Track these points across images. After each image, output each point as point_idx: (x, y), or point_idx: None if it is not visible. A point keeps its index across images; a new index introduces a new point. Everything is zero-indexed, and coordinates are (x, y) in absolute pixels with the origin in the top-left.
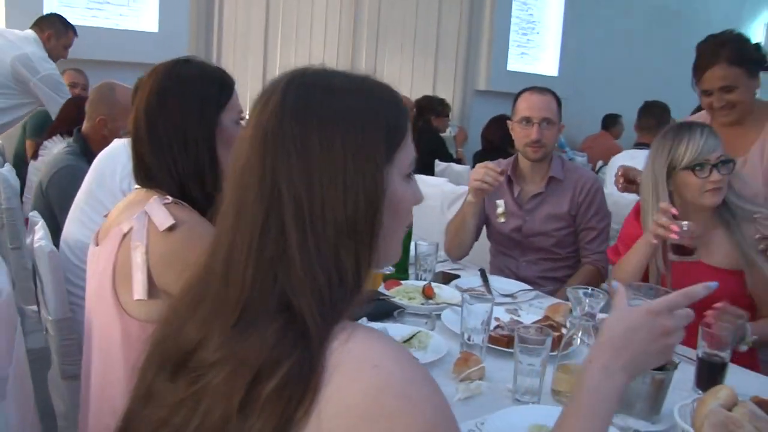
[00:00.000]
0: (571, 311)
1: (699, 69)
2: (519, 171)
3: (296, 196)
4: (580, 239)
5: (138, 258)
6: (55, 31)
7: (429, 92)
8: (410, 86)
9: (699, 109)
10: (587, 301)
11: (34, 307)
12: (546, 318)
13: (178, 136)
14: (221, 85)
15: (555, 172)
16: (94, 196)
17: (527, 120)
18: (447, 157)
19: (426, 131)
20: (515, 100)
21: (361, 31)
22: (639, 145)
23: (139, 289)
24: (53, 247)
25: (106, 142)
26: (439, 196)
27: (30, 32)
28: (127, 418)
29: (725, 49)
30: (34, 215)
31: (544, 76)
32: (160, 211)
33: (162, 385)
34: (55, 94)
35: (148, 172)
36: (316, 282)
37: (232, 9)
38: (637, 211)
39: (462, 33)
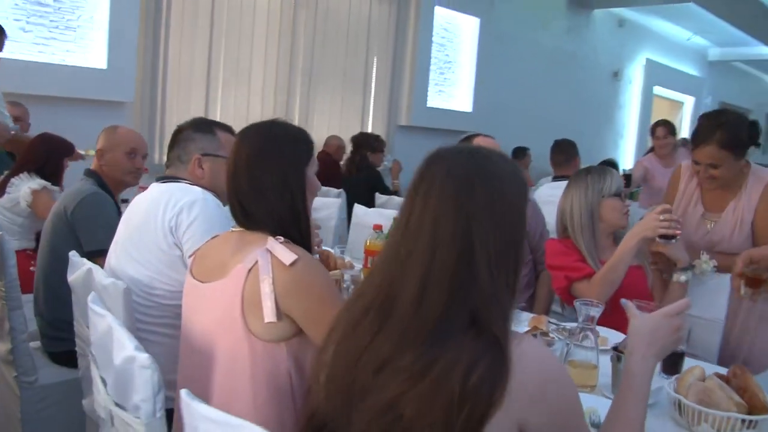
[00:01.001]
0: (549, 322)
1: (694, 140)
2: None
3: (484, 242)
4: (535, 252)
5: (266, 288)
6: None
7: (358, 128)
8: (339, 123)
9: (650, 150)
10: (588, 309)
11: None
12: (535, 327)
13: (277, 188)
14: (306, 143)
15: None
16: (140, 233)
17: None
18: (385, 190)
19: (364, 167)
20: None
21: (296, 74)
22: (557, 178)
23: (269, 314)
24: (126, 285)
25: (104, 173)
26: None
27: None
28: None
29: (719, 132)
30: (74, 254)
31: (460, 111)
32: (281, 249)
33: (346, 401)
34: None
35: (251, 217)
36: (500, 302)
37: (176, 49)
38: (560, 240)
39: (386, 74)
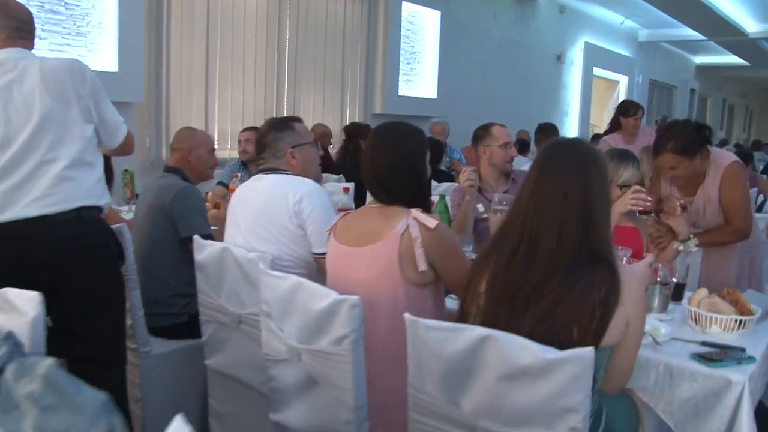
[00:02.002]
0: None
1: (655, 150)
2: (485, 182)
3: (596, 203)
4: None
5: (417, 246)
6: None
7: (339, 118)
8: (323, 113)
9: (613, 129)
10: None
11: None
12: None
13: (409, 171)
14: (425, 137)
15: (515, 175)
16: (267, 216)
17: (507, 144)
18: None
19: (357, 153)
20: (488, 131)
21: (283, 71)
22: None
23: (422, 264)
24: (272, 256)
25: (191, 167)
26: None
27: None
28: None
29: (671, 143)
30: (198, 238)
31: (427, 98)
32: (424, 217)
33: (510, 316)
34: None
35: (391, 194)
36: (608, 241)
37: (177, 52)
38: None
39: (361, 67)
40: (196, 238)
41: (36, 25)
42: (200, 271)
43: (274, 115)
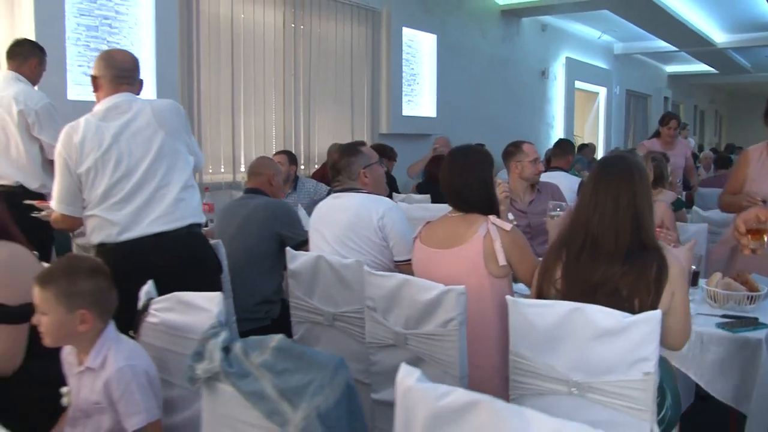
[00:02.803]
0: None
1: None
2: (515, 193)
3: (642, 206)
4: None
5: (497, 246)
6: (40, 59)
7: (348, 138)
8: (334, 133)
9: (653, 136)
10: None
11: None
12: None
13: (482, 185)
14: (491, 157)
15: (540, 186)
16: (354, 230)
17: (536, 160)
18: (397, 191)
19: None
20: (519, 148)
21: (299, 96)
22: (554, 168)
23: (501, 259)
24: (364, 263)
25: (272, 190)
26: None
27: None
28: None
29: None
30: (289, 250)
31: (427, 117)
32: (500, 222)
33: (585, 296)
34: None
35: (469, 204)
36: (653, 232)
37: (206, 85)
38: None
39: (367, 90)
40: (288, 249)
41: (83, 64)
42: (293, 277)
43: (293, 138)
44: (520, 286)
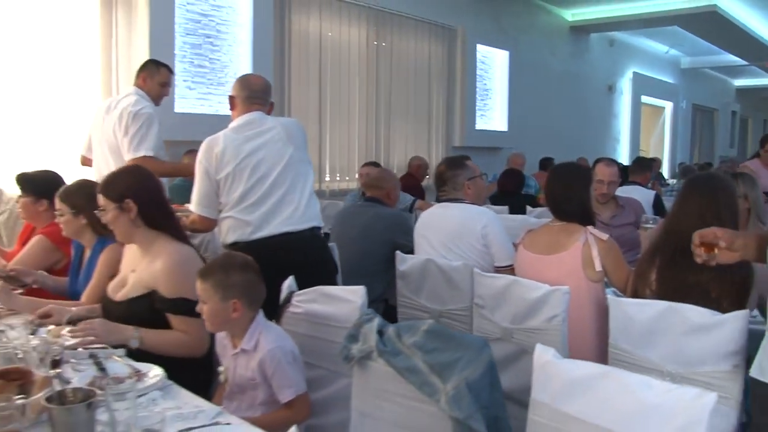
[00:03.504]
0: None
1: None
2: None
3: (725, 216)
4: None
5: (594, 253)
6: (148, 72)
7: (424, 150)
8: (414, 145)
9: (754, 156)
10: None
11: None
12: None
13: (580, 197)
14: (590, 172)
15: (623, 202)
16: (459, 237)
17: (601, 182)
18: None
19: None
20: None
21: (380, 110)
22: (631, 183)
23: (597, 265)
24: (472, 266)
25: (390, 202)
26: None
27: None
28: None
29: None
30: (399, 254)
31: (499, 131)
32: (597, 231)
33: (678, 298)
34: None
35: (569, 214)
36: None
37: (296, 96)
38: None
39: (442, 104)
40: (398, 252)
41: (187, 78)
42: (402, 278)
43: (374, 149)
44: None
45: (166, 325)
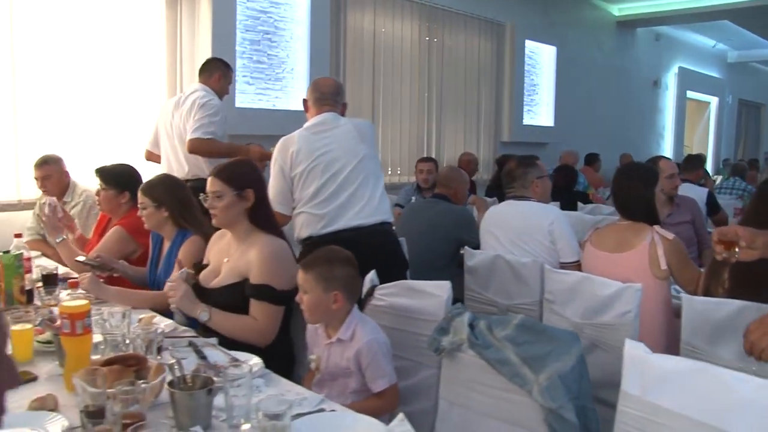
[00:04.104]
0: None
1: None
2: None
3: None
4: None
5: (660, 252)
6: (223, 72)
7: (473, 145)
8: (463, 140)
9: None
10: None
11: None
12: None
13: (646, 200)
14: (657, 174)
15: (678, 200)
16: (526, 233)
17: (672, 175)
18: None
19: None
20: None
21: (431, 103)
22: (684, 181)
23: (663, 264)
24: (541, 262)
25: (457, 199)
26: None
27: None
28: None
29: None
30: (467, 249)
31: (546, 126)
32: (663, 231)
33: (751, 295)
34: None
35: (636, 214)
36: None
37: (350, 91)
38: None
39: (491, 100)
40: (467, 248)
41: (246, 74)
42: (470, 273)
43: (425, 144)
44: None
45: None
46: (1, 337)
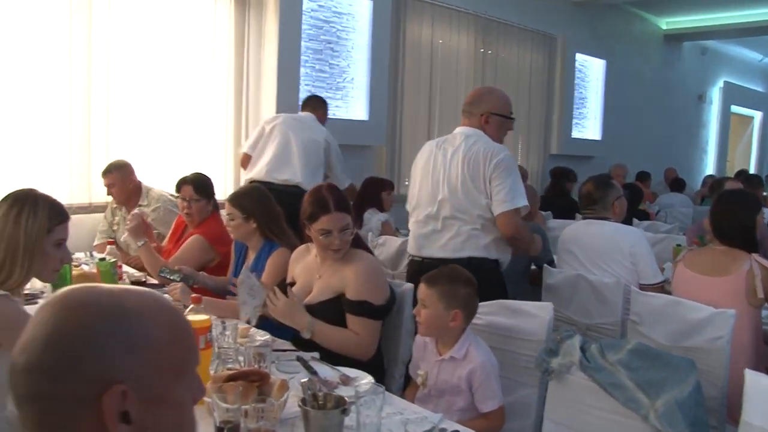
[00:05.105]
0: None
1: None
2: None
3: None
4: None
5: (758, 281)
6: (324, 110)
7: (523, 157)
8: (512, 152)
9: None
10: None
11: None
12: None
13: (746, 228)
14: (759, 203)
15: None
16: (607, 254)
17: None
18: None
19: (561, 193)
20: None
21: None
22: None
23: (760, 292)
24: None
25: (529, 216)
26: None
27: (311, 116)
28: None
29: None
30: (547, 267)
31: (593, 140)
32: (762, 259)
33: None
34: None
35: (734, 240)
36: None
37: (408, 100)
38: None
39: (541, 112)
40: (546, 266)
41: (309, 83)
42: (549, 291)
43: None
44: None
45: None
46: (194, 355)
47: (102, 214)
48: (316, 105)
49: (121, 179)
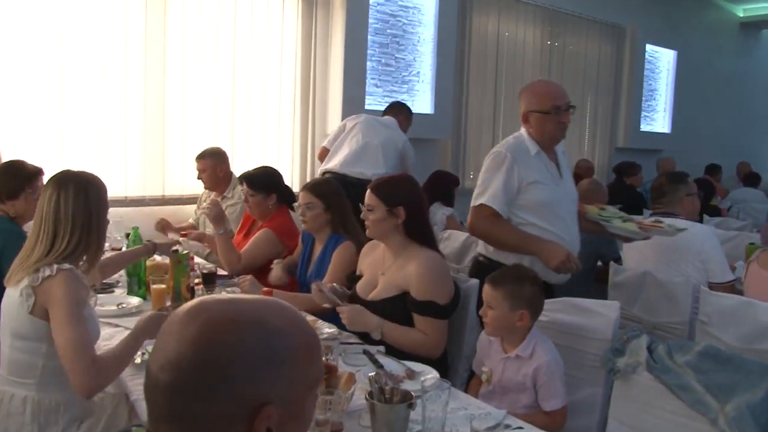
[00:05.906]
0: None
1: None
2: None
3: None
4: None
5: None
6: (405, 116)
7: (590, 150)
8: (578, 145)
9: None
10: None
11: None
12: None
13: None
14: None
15: None
16: (677, 252)
17: None
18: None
19: (622, 188)
20: None
21: None
22: None
23: None
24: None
25: None
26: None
27: (392, 119)
28: None
29: None
30: (613, 263)
31: (662, 133)
32: None
33: None
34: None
35: None
36: None
37: (473, 94)
38: None
39: (608, 105)
40: (613, 264)
41: (374, 77)
42: (615, 288)
43: None
44: None
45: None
46: (322, 367)
47: (176, 207)
48: (399, 110)
49: (212, 166)
